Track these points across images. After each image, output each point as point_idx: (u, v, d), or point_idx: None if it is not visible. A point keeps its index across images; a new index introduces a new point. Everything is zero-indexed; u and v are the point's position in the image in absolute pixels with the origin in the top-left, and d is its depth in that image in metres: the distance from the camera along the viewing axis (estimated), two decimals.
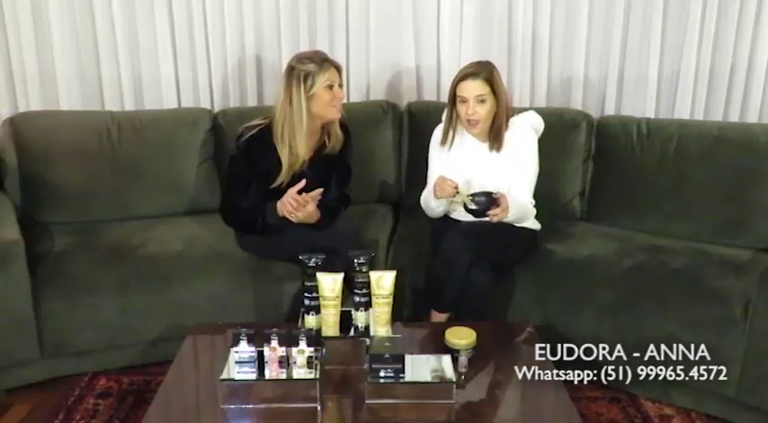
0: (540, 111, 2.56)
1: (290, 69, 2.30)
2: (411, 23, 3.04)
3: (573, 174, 2.78)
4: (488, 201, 2.25)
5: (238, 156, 2.38)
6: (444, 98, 3.09)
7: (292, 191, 2.24)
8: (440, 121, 2.55)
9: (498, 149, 2.41)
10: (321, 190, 2.26)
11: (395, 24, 3.05)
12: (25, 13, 2.84)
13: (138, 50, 2.99)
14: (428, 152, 2.56)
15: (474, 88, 2.33)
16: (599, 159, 2.80)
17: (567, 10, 2.99)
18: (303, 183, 2.26)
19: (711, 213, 2.56)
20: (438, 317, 2.32)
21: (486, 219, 2.25)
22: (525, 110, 2.59)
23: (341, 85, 2.36)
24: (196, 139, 2.85)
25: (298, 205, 2.20)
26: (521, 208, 2.34)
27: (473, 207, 2.26)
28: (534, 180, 2.45)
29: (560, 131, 2.77)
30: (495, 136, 2.41)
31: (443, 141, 2.48)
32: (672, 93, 3.01)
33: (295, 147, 2.32)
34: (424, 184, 2.61)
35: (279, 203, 2.27)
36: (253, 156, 2.35)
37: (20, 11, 2.84)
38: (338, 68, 2.35)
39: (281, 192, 2.32)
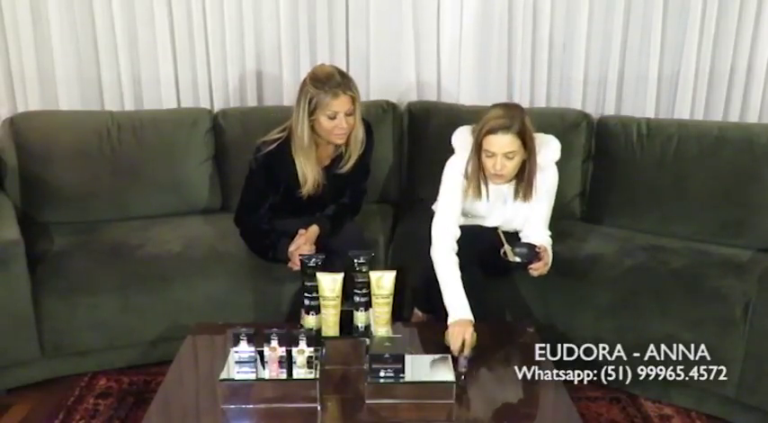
0: (540, 111, 2.56)
1: (304, 83, 2.27)
2: (411, 24, 3.04)
3: (573, 174, 2.77)
4: (530, 254, 2.12)
5: (256, 171, 2.36)
6: (444, 98, 3.12)
7: (300, 250, 2.23)
8: (439, 122, 2.53)
9: (525, 199, 2.24)
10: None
11: (395, 25, 3.05)
12: (24, 13, 2.84)
13: (138, 51, 2.99)
14: (442, 176, 2.31)
15: (504, 145, 2.09)
16: (599, 159, 2.80)
17: (566, 10, 2.99)
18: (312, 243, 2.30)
19: (711, 213, 2.56)
20: (418, 316, 2.31)
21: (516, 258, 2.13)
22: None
23: (350, 114, 2.25)
24: (196, 139, 2.85)
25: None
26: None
27: (517, 260, 2.13)
28: (550, 213, 2.34)
29: (560, 131, 2.76)
30: (524, 186, 2.22)
31: (476, 195, 2.25)
32: (672, 93, 3.01)
33: (301, 165, 2.32)
34: (423, 183, 2.61)
35: (290, 250, 2.28)
36: (272, 170, 2.35)
37: (19, 11, 2.83)
38: (353, 99, 2.25)
39: (301, 205, 2.37)
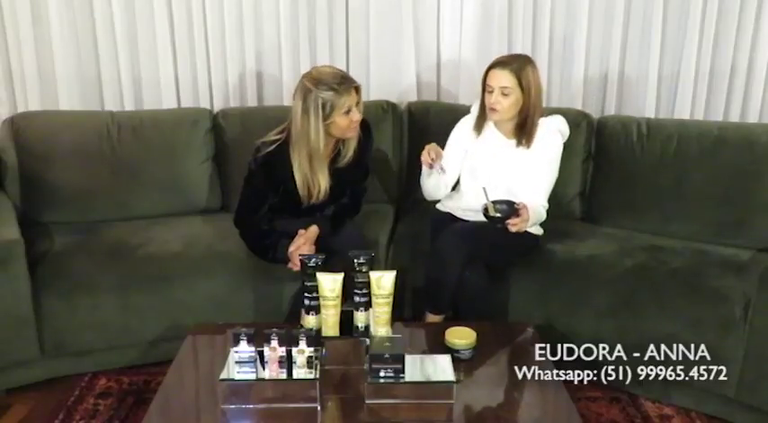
0: None
1: (307, 91, 2.23)
2: (411, 23, 3.04)
3: (573, 174, 2.77)
4: (509, 210, 2.23)
5: (256, 172, 2.35)
6: (444, 98, 3.14)
7: (300, 250, 2.24)
8: (439, 122, 2.55)
9: (528, 146, 2.39)
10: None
11: (395, 24, 3.05)
12: (24, 12, 2.84)
13: (138, 50, 2.99)
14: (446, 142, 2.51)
15: (500, 78, 2.30)
16: (599, 159, 2.80)
17: (566, 10, 2.99)
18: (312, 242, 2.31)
19: (711, 213, 2.56)
20: (432, 318, 2.31)
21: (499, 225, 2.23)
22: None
23: (358, 104, 2.29)
24: (196, 139, 2.85)
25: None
26: (536, 213, 2.31)
27: (497, 215, 2.24)
28: (552, 186, 2.45)
29: None
30: (520, 132, 2.39)
31: (476, 128, 2.45)
32: (672, 93, 3.02)
33: (313, 173, 2.31)
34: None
35: (290, 251, 2.29)
36: (271, 172, 2.35)
37: (19, 11, 2.84)
38: (357, 89, 2.28)
39: (301, 205, 2.37)
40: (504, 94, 2.30)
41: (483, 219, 2.37)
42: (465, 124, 2.51)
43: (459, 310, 2.30)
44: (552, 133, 2.43)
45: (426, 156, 2.33)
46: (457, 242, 2.26)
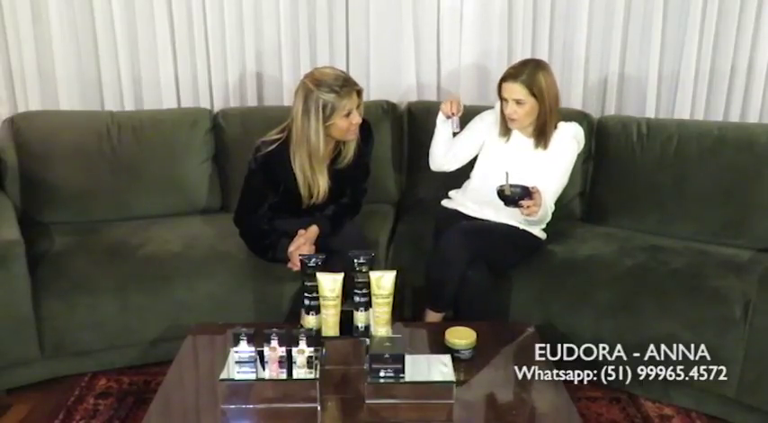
0: None
1: (308, 92, 2.23)
2: (411, 23, 3.04)
3: (573, 174, 2.75)
4: (523, 192, 2.26)
5: (256, 171, 2.35)
6: (444, 98, 3.12)
7: (299, 250, 2.24)
8: None
9: (545, 147, 2.44)
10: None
11: (395, 24, 3.05)
12: (25, 12, 2.84)
13: (138, 50, 3.00)
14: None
15: (511, 91, 2.35)
16: (599, 159, 2.80)
17: (567, 10, 2.99)
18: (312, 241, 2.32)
19: (711, 213, 2.56)
20: (433, 316, 2.32)
21: (516, 208, 2.26)
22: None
23: (359, 107, 2.30)
24: (196, 139, 2.85)
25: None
26: (545, 208, 2.31)
27: (507, 193, 2.27)
28: (560, 190, 2.48)
29: None
30: (539, 134, 2.43)
31: (503, 134, 2.49)
32: (672, 93, 3.02)
33: (313, 174, 2.31)
34: (423, 183, 2.62)
35: (290, 251, 2.30)
36: (271, 171, 2.34)
37: (19, 10, 2.84)
38: (359, 92, 2.29)
39: (301, 205, 2.37)
40: (519, 104, 2.35)
41: (487, 217, 2.37)
42: (488, 117, 2.55)
43: (460, 309, 2.31)
44: (569, 140, 2.46)
45: (448, 106, 2.45)
46: (461, 241, 2.27)
